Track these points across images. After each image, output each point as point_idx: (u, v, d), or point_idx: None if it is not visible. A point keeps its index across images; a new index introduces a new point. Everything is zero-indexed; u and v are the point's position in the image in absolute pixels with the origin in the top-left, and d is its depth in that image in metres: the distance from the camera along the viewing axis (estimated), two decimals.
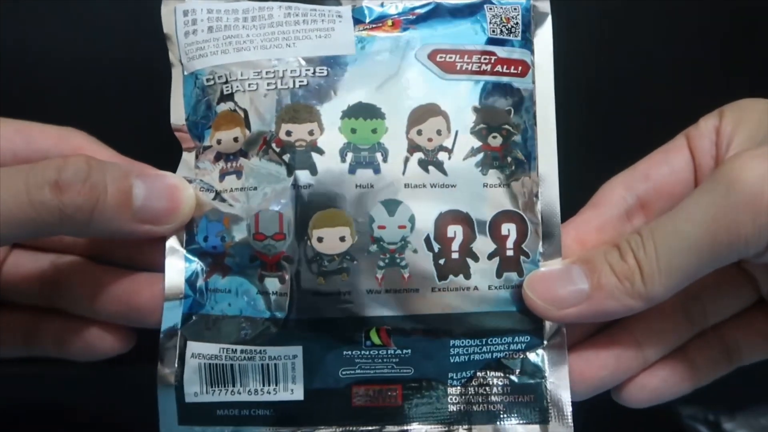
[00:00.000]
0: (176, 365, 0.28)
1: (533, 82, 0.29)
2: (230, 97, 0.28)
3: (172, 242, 0.28)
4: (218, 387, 0.28)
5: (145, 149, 0.29)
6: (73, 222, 0.25)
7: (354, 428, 0.28)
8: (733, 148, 0.28)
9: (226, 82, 0.28)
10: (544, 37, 0.29)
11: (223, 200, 0.28)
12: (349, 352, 0.27)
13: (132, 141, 0.30)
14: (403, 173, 0.27)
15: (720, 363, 0.31)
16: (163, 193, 0.27)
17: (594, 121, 0.35)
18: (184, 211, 0.27)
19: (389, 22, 0.28)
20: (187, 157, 0.29)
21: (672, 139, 0.30)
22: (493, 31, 0.29)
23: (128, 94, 0.33)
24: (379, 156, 0.27)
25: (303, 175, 0.27)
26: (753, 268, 0.30)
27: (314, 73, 0.27)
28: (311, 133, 0.27)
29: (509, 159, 0.28)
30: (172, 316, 0.28)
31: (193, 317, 0.28)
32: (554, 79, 0.29)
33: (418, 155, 0.27)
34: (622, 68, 0.36)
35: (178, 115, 0.29)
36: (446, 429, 0.28)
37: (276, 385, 0.28)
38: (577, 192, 0.30)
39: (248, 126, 0.27)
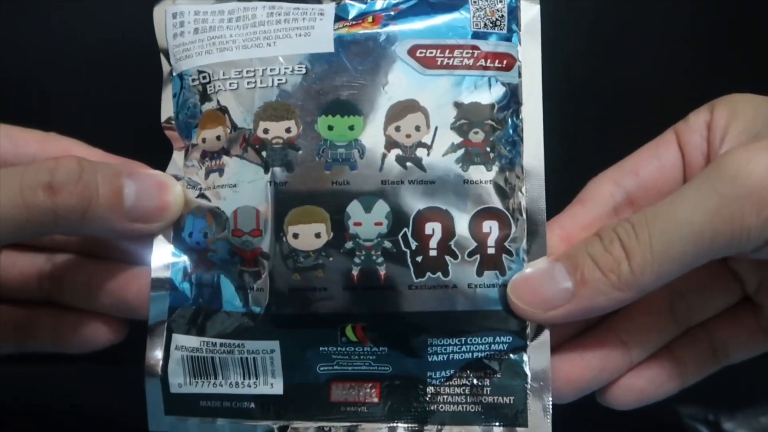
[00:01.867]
0: (161, 356, 0.28)
1: (519, 76, 0.28)
2: (213, 96, 0.28)
3: (160, 238, 0.29)
4: (201, 379, 0.28)
5: (144, 148, 0.30)
6: (66, 222, 0.26)
7: (332, 424, 0.28)
8: (728, 142, 0.27)
9: (210, 81, 0.28)
10: (531, 30, 0.28)
11: (207, 197, 0.28)
12: (326, 348, 0.28)
13: (131, 141, 0.31)
14: (380, 170, 0.27)
15: (707, 362, 0.30)
16: (153, 192, 0.28)
17: (583, 115, 0.34)
18: (173, 208, 0.28)
19: (370, 19, 0.28)
20: (177, 156, 0.30)
21: (661, 134, 0.29)
22: (477, 25, 0.28)
23: (127, 95, 0.34)
24: (356, 153, 0.27)
25: (279, 172, 0.27)
26: (739, 266, 0.29)
27: (293, 71, 0.28)
28: (288, 130, 0.27)
29: (492, 155, 0.28)
30: (159, 309, 0.29)
31: (178, 310, 0.28)
32: (543, 72, 0.28)
33: (396, 152, 0.27)
34: (615, 62, 0.34)
35: (167, 115, 0.30)
36: (424, 428, 0.28)
37: (256, 378, 0.28)
38: (564, 188, 0.29)
39: (230, 124, 0.28)
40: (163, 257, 0.29)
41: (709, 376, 0.42)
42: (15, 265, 0.31)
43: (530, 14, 0.28)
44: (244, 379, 0.28)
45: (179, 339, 0.28)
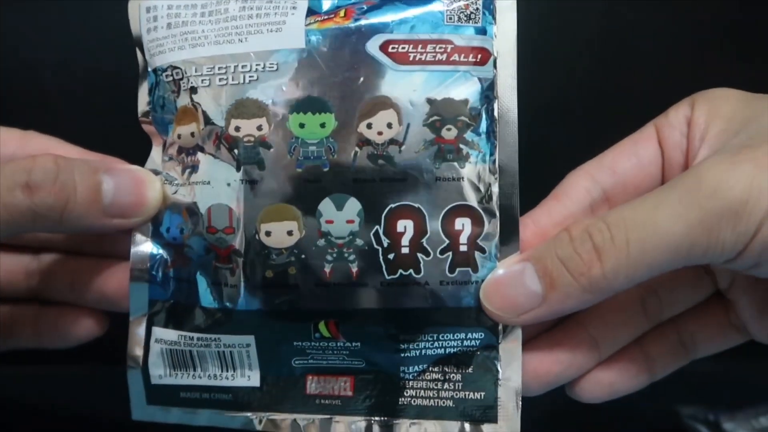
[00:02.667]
0: (142, 349, 0.29)
1: (495, 69, 0.28)
2: (187, 92, 0.28)
3: (139, 233, 0.29)
4: (181, 370, 0.29)
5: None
6: (45, 221, 0.26)
7: (307, 416, 0.29)
8: (708, 142, 0.27)
9: (182, 78, 0.28)
10: (507, 23, 0.28)
11: (183, 193, 0.29)
12: (300, 344, 0.28)
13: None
14: (352, 167, 0.27)
15: (676, 356, 0.30)
16: (131, 188, 0.28)
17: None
18: (152, 203, 0.29)
19: (342, 13, 0.28)
20: (155, 151, 0.30)
21: (640, 129, 0.28)
22: (450, 18, 0.28)
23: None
24: (327, 150, 0.27)
25: (251, 170, 0.27)
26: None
27: (264, 68, 0.28)
28: (260, 128, 0.27)
29: (465, 151, 0.27)
30: (139, 303, 0.29)
31: (158, 303, 0.29)
32: (519, 67, 0.28)
33: (368, 149, 0.27)
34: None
35: (143, 109, 0.30)
36: (396, 421, 0.28)
37: (234, 371, 0.29)
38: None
39: (203, 121, 0.28)
40: (143, 251, 0.29)
41: (709, 375, 0.42)
42: (1, 265, 0.31)
43: (506, 7, 0.28)
44: (221, 371, 0.29)
45: (159, 332, 0.29)
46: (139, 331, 0.29)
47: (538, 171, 0.28)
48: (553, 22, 0.34)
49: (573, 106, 0.35)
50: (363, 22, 0.28)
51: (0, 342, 0.32)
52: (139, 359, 0.29)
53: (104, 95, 0.33)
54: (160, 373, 0.29)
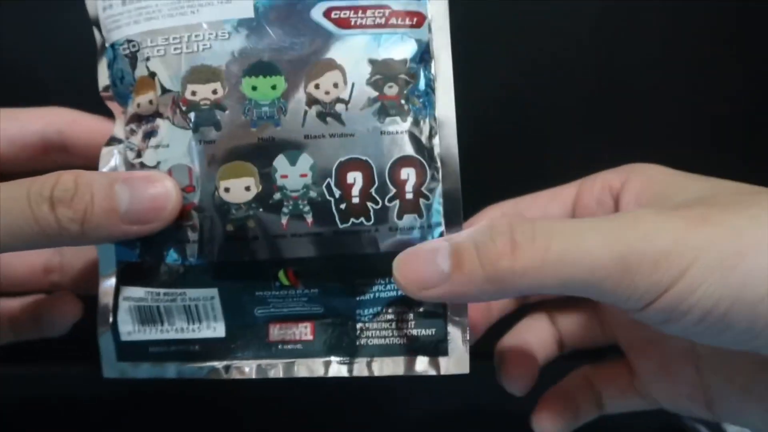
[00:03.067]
0: (111, 308, 0.31)
1: (429, 32, 0.30)
2: (143, 63, 0.30)
3: None
4: (149, 326, 0.31)
5: None
6: (69, 233, 0.27)
7: (271, 361, 0.31)
8: (639, 202, 0.29)
9: (138, 50, 0.30)
10: None
11: (145, 158, 0.30)
12: (261, 293, 0.30)
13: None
14: (303, 125, 0.29)
15: (591, 408, 0.34)
16: (146, 195, 0.28)
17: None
18: (169, 207, 0.29)
19: None
20: (118, 123, 0.32)
21: (563, 186, 0.32)
22: None
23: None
24: (279, 110, 0.29)
25: (208, 131, 0.29)
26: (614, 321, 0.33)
27: (217, 36, 0.30)
28: (215, 92, 0.29)
29: (406, 107, 0.30)
30: (107, 264, 0.31)
31: (124, 263, 0.31)
32: (455, 29, 0.30)
33: (317, 108, 0.29)
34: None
35: (103, 84, 0.32)
36: (354, 361, 0.30)
37: (199, 323, 0.31)
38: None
39: (159, 89, 0.30)
40: None
41: None
42: (21, 260, 0.33)
43: None
44: (188, 324, 0.31)
45: (126, 291, 0.31)
46: (107, 290, 0.31)
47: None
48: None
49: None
50: None
51: (14, 334, 0.34)
52: (108, 317, 0.31)
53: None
54: (129, 329, 0.31)
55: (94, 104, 0.32)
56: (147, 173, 0.29)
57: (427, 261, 0.27)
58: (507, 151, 0.38)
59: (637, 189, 0.29)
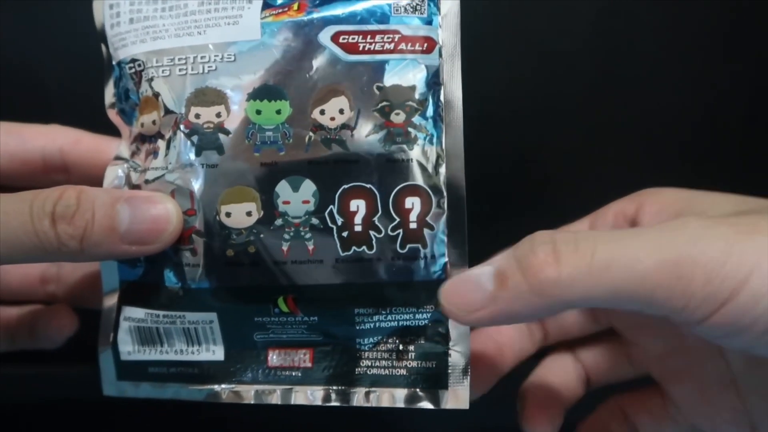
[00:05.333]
0: (112, 326, 0.31)
1: (440, 57, 0.30)
2: (147, 83, 0.30)
3: None
4: (148, 347, 0.31)
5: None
6: (68, 249, 0.27)
7: (269, 387, 0.30)
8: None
9: (144, 69, 0.30)
10: (451, 14, 0.30)
11: (147, 179, 0.30)
12: (260, 319, 0.30)
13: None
14: (307, 151, 0.29)
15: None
16: (146, 216, 0.28)
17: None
18: (169, 230, 0.28)
19: (295, 6, 0.30)
20: (123, 141, 0.32)
21: (576, 222, 0.32)
22: (397, 10, 0.29)
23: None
24: (283, 135, 0.29)
25: (211, 155, 0.29)
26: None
27: (222, 58, 0.29)
28: (218, 115, 0.29)
29: (413, 134, 0.29)
30: (110, 282, 0.31)
31: (126, 283, 0.31)
32: (465, 56, 0.30)
33: (321, 134, 0.29)
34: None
35: (109, 101, 0.31)
36: (353, 390, 0.30)
37: (199, 345, 0.30)
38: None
39: (163, 110, 0.30)
40: None
41: None
42: (18, 269, 0.33)
43: None
44: (187, 346, 0.30)
45: (127, 310, 0.31)
46: (110, 309, 0.31)
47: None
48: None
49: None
50: (315, 14, 0.29)
51: (9, 343, 0.34)
52: (109, 336, 0.31)
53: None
54: (129, 349, 0.31)
55: (96, 112, 0.32)
56: (149, 194, 0.29)
57: (471, 283, 0.26)
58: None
59: (656, 210, 0.29)
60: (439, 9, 0.30)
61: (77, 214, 0.27)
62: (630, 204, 0.30)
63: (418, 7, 0.29)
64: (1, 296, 0.35)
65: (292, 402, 0.30)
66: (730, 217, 0.25)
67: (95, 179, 0.31)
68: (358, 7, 0.29)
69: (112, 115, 0.32)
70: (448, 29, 0.30)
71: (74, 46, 0.38)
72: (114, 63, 0.31)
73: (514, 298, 0.25)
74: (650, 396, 0.33)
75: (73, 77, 0.39)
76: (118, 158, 0.31)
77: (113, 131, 0.33)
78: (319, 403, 0.30)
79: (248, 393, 0.30)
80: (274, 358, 0.30)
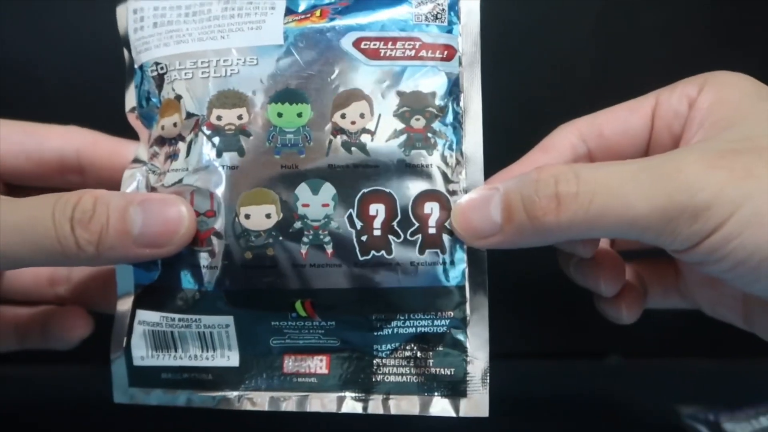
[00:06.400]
0: (126, 331, 0.30)
1: (460, 65, 0.30)
2: (170, 85, 0.30)
3: None
4: (162, 352, 0.30)
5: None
6: (86, 255, 0.27)
7: (284, 393, 0.30)
8: (705, 128, 0.28)
9: (166, 72, 0.30)
10: (471, 22, 0.30)
11: (166, 182, 0.30)
12: (277, 323, 0.29)
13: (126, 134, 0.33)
14: (327, 154, 0.29)
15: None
16: (159, 219, 0.28)
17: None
18: (181, 232, 0.28)
19: (318, 12, 0.30)
20: (142, 144, 0.32)
21: (641, 97, 0.30)
22: (418, 18, 0.30)
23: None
24: (303, 138, 0.29)
25: (231, 157, 0.29)
26: None
27: (245, 62, 0.29)
28: (240, 117, 0.29)
29: (433, 140, 0.29)
30: (125, 286, 0.31)
31: (141, 287, 0.30)
32: (485, 63, 0.30)
33: (342, 137, 0.29)
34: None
35: (131, 105, 0.32)
36: (370, 397, 0.29)
37: (213, 351, 0.30)
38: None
39: (185, 112, 0.30)
40: None
41: (709, 375, 0.44)
42: (28, 270, 0.33)
43: (470, 7, 0.30)
44: (202, 351, 0.30)
45: (142, 314, 0.30)
46: (123, 313, 0.30)
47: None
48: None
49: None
50: (337, 21, 0.30)
51: (18, 341, 0.34)
52: (122, 341, 0.30)
53: (104, 96, 0.35)
54: (142, 354, 0.30)
55: (96, 111, 0.32)
56: (163, 196, 0.29)
57: (481, 210, 0.28)
58: None
59: (708, 104, 0.28)
60: (459, 18, 0.30)
61: (93, 219, 0.27)
62: (694, 87, 0.30)
63: (439, 16, 0.30)
64: (10, 297, 0.35)
65: (308, 409, 0.30)
66: (740, 152, 0.25)
67: (111, 182, 0.31)
68: (379, 15, 0.30)
69: (132, 118, 0.32)
70: (467, 37, 0.30)
71: (74, 46, 0.38)
72: (136, 67, 0.31)
73: (519, 233, 0.27)
74: (665, 268, 0.35)
75: (74, 77, 0.39)
76: (136, 161, 0.31)
77: (114, 131, 0.33)
78: (334, 410, 0.30)
79: (262, 400, 0.30)
80: (289, 364, 0.30)
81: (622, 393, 0.43)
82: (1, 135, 0.32)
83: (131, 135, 0.33)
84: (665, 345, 0.46)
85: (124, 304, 0.31)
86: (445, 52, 0.30)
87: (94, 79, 0.38)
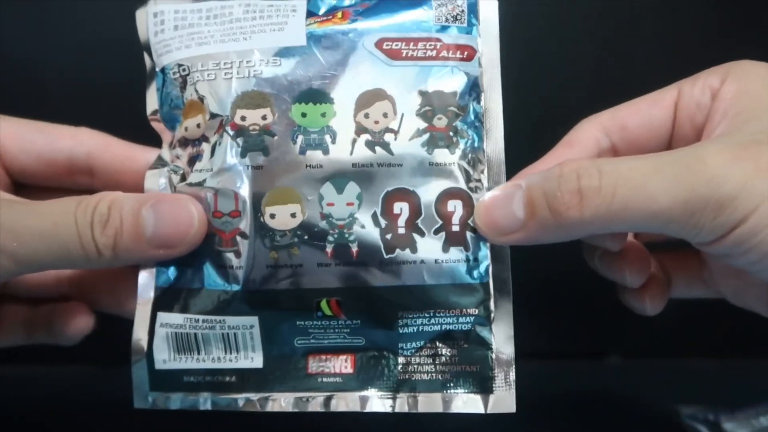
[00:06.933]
0: (147, 334, 0.30)
1: (480, 66, 0.30)
2: (193, 86, 0.30)
3: None
4: (184, 354, 0.30)
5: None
6: (105, 258, 0.28)
7: (309, 394, 0.30)
8: (728, 119, 0.28)
9: (189, 73, 0.30)
10: (490, 22, 0.31)
11: (190, 182, 0.30)
12: (302, 323, 0.29)
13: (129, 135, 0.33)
14: (351, 154, 0.29)
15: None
16: (170, 219, 0.28)
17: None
18: (191, 233, 0.29)
19: (339, 14, 0.30)
20: (165, 146, 0.32)
21: (663, 89, 0.31)
22: (439, 19, 0.30)
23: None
24: (327, 138, 0.29)
25: (256, 157, 0.29)
26: None
27: (268, 63, 0.30)
28: (264, 117, 0.29)
29: (455, 139, 0.30)
30: (146, 289, 0.30)
31: (163, 289, 0.30)
32: (505, 62, 0.30)
33: (366, 137, 0.29)
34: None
35: (152, 108, 0.32)
36: (396, 396, 0.29)
37: (237, 352, 0.30)
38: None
39: (209, 113, 0.30)
40: None
41: (709, 375, 0.44)
42: None
43: (489, 8, 0.31)
44: (225, 353, 0.30)
45: (164, 317, 0.30)
46: (144, 316, 0.30)
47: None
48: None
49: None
50: (359, 22, 0.30)
51: (25, 336, 0.33)
52: (143, 344, 0.30)
53: (105, 97, 0.35)
54: (164, 357, 0.30)
55: (97, 112, 0.32)
56: (173, 196, 0.29)
57: (504, 207, 0.28)
58: None
59: (731, 95, 0.28)
60: (478, 19, 0.31)
61: (109, 223, 0.27)
62: (717, 78, 0.30)
63: (459, 17, 0.30)
64: (18, 294, 0.34)
65: (333, 409, 0.29)
66: (763, 144, 0.26)
67: (121, 185, 0.31)
68: (400, 17, 0.30)
69: (154, 120, 0.32)
70: (487, 38, 0.31)
71: (75, 46, 0.38)
72: (157, 70, 0.31)
73: (542, 228, 0.27)
74: (689, 259, 0.35)
75: (75, 78, 0.38)
76: (159, 162, 0.31)
77: (114, 131, 0.34)
78: (359, 409, 0.29)
79: (287, 401, 0.30)
80: (314, 364, 0.30)
81: (622, 393, 0.43)
82: (13, 132, 0.32)
83: (137, 136, 0.33)
84: (665, 345, 0.46)
85: (143, 309, 0.30)
86: (465, 53, 0.30)
87: (101, 81, 0.38)
